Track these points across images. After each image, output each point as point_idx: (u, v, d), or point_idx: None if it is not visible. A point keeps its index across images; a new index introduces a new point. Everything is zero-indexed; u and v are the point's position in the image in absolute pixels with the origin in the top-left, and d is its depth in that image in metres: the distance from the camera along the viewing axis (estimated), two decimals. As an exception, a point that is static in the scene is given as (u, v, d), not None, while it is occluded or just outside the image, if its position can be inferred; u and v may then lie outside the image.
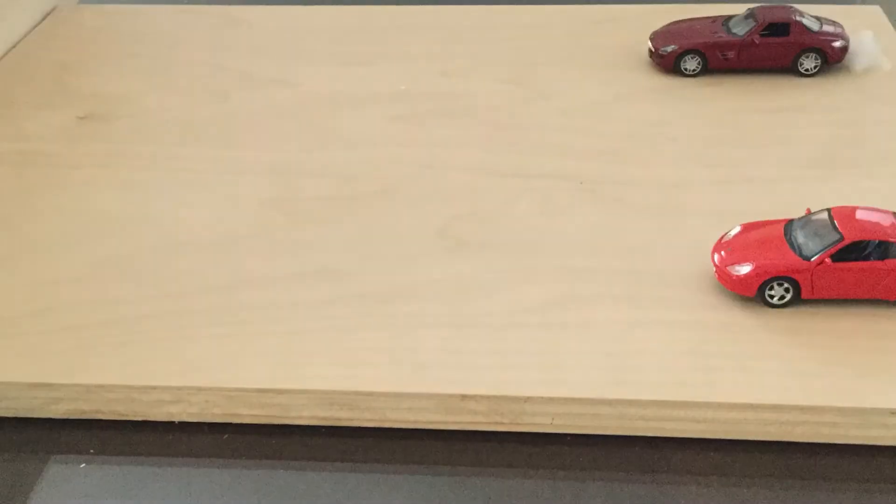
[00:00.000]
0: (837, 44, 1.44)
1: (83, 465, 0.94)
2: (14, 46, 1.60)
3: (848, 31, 1.46)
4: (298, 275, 1.09)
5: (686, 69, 1.46)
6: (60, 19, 1.70)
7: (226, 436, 0.96)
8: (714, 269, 1.04)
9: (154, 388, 0.95)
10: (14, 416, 0.98)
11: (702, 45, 1.45)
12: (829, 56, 1.44)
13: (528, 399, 0.93)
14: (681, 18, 1.54)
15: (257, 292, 1.06)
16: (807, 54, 1.44)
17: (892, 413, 0.91)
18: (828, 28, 1.45)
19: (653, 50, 1.48)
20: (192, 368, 0.97)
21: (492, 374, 0.95)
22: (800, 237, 1.03)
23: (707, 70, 1.46)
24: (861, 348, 0.97)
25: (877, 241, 1.00)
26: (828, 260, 1.00)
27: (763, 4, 1.50)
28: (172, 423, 0.97)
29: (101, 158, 1.31)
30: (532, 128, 1.35)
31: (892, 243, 1.00)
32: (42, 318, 1.04)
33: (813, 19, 1.46)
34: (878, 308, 1.01)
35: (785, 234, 1.04)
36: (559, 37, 1.51)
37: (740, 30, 1.45)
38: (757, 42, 1.44)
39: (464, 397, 0.93)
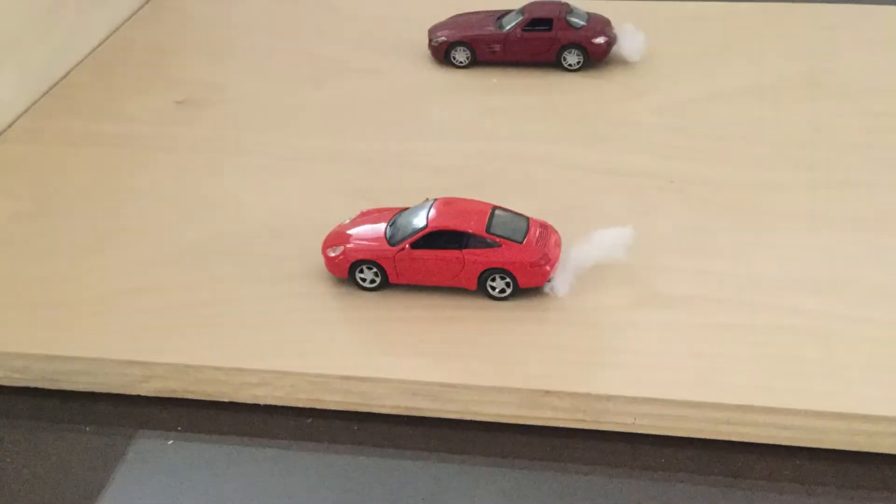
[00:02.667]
0: (599, 40, 1.43)
1: (171, 441, 0.96)
2: (116, 30, 1.63)
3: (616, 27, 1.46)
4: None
5: (456, 60, 1.47)
6: (161, 5, 1.73)
7: (310, 420, 0.97)
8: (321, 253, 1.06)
9: (241, 370, 0.97)
10: (106, 391, 1.00)
11: (469, 38, 1.46)
12: (591, 53, 1.43)
13: (610, 398, 0.93)
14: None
15: (344, 281, 1.07)
16: (569, 50, 1.43)
17: None
18: (592, 25, 1.44)
19: (429, 40, 1.49)
20: (278, 353, 0.98)
21: (576, 372, 0.95)
22: (398, 224, 1.04)
23: (476, 62, 1.46)
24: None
25: (462, 232, 1.01)
26: (408, 247, 1.01)
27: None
28: (258, 405, 0.98)
29: (197, 143, 1.34)
30: (623, 124, 1.34)
31: (474, 235, 1.01)
32: (136, 298, 1.06)
33: (581, 16, 1.44)
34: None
35: (390, 221, 1.05)
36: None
37: (509, 24, 1.45)
38: (520, 36, 1.44)
39: (546, 393, 0.93)
